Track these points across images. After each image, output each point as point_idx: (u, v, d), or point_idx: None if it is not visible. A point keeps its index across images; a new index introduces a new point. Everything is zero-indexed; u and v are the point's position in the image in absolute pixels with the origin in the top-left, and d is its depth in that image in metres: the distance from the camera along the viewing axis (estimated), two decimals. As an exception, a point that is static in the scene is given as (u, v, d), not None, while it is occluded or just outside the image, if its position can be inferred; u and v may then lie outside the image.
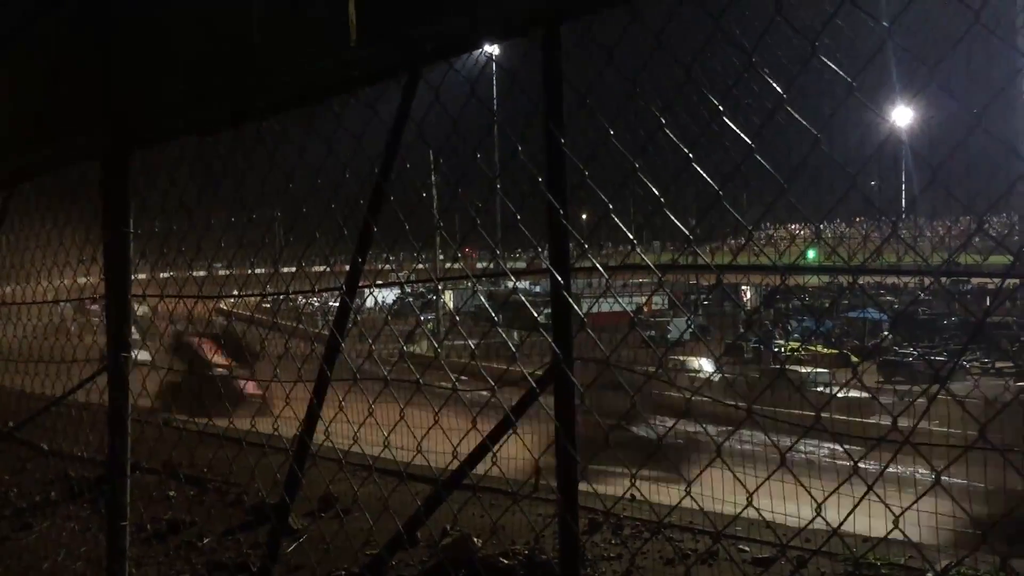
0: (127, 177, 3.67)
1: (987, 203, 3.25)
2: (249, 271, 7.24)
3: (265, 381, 4.91)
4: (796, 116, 2.32)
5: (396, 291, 8.89)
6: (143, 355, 4.43)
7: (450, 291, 20.64)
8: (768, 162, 2.46)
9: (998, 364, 17.26)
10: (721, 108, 2.44)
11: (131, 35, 3.76)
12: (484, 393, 4.21)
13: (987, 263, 12.46)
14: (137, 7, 3.76)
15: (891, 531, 2.42)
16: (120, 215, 3.66)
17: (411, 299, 21.48)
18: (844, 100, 2.35)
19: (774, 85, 2.33)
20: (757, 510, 2.50)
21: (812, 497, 2.31)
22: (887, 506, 2.33)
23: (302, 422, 4.68)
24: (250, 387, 5.57)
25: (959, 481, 5.86)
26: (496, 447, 3.82)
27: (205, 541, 5.71)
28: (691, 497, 2.58)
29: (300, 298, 11.50)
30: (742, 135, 2.36)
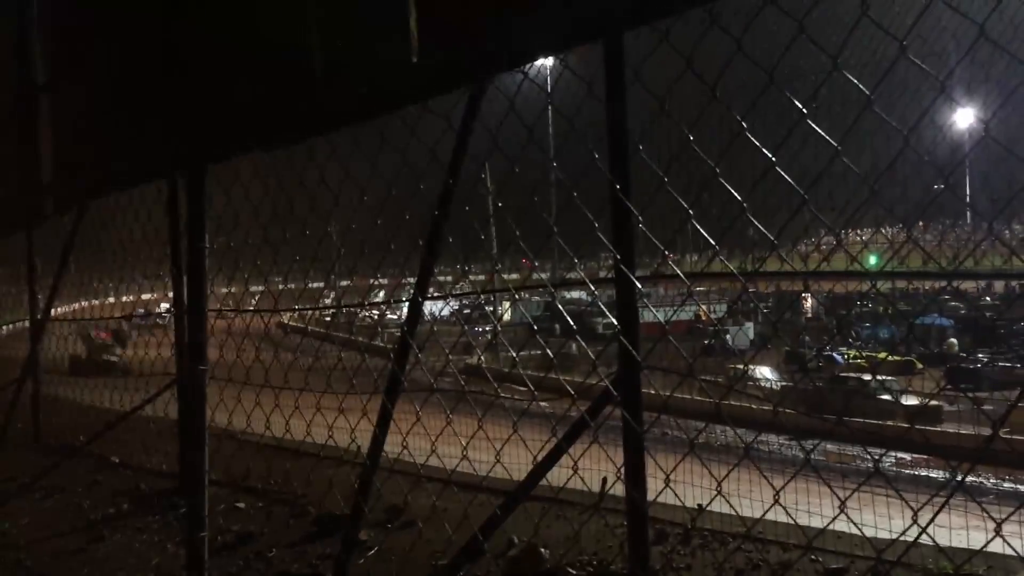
0: (203, 192, 3.73)
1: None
2: (308, 284, 7.34)
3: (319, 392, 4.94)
4: (884, 118, 2.27)
5: (450, 304, 8.87)
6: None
7: (507, 302, 20.62)
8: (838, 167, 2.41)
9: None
10: (804, 111, 2.39)
11: (202, 51, 3.81)
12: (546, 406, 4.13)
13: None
14: (208, 23, 3.82)
15: (991, 540, 2.34)
16: (197, 230, 3.72)
17: (468, 310, 21.53)
18: (933, 101, 2.30)
19: (861, 87, 2.28)
20: (849, 519, 2.43)
21: (909, 506, 2.24)
22: (987, 514, 2.25)
23: (375, 433, 4.67)
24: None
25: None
26: (576, 459, 3.77)
27: (274, 552, 5.76)
28: (782, 507, 2.52)
29: (359, 311, 11.61)
30: (827, 138, 2.32)
